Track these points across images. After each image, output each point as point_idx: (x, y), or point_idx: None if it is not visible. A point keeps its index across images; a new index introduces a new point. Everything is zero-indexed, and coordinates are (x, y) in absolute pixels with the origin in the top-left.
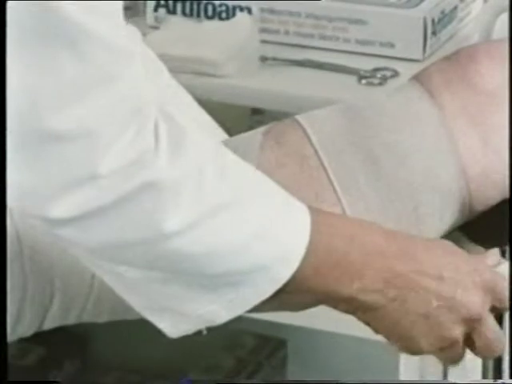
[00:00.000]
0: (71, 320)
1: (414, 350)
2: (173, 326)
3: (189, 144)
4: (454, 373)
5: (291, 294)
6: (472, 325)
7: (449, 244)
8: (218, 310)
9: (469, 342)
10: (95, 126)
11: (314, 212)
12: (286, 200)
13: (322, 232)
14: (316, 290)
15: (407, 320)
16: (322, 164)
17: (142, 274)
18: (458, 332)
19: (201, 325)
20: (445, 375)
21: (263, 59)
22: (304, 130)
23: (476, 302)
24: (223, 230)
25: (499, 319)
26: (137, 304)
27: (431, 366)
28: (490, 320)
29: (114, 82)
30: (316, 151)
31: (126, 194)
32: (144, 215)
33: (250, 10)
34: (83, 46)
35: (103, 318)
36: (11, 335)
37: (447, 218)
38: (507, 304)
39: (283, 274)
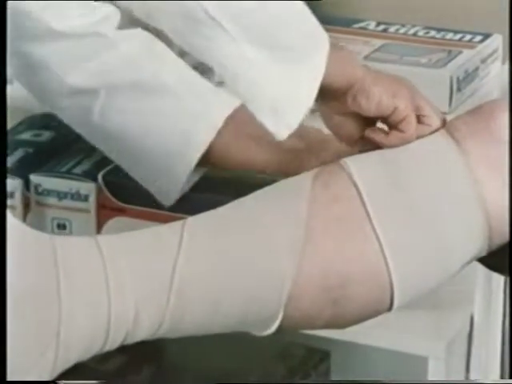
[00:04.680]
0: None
1: None
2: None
3: None
4: (474, 372)
5: None
6: None
7: None
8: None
9: None
10: None
11: None
12: None
13: None
14: None
15: None
16: (364, 206)
17: None
18: None
19: None
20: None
21: (312, 111)
22: (348, 174)
23: None
24: None
25: None
26: None
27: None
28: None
29: None
30: (360, 194)
31: None
32: None
33: None
34: None
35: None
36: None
37: (470, 253)
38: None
39: None
